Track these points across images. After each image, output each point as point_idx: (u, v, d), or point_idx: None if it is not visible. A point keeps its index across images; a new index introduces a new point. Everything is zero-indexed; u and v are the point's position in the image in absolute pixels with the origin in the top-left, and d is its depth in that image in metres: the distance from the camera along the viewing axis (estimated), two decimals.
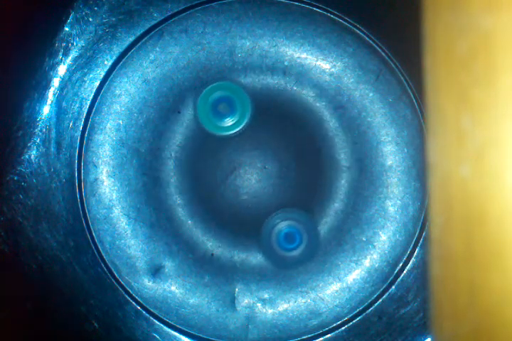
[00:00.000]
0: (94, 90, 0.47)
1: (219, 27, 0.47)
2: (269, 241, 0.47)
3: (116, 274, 0.47)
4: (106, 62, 0.46)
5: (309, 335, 0.47)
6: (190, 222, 0.48)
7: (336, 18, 0.46)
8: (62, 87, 0.46)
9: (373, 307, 0.46)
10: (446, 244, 0.26)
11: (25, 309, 0.45)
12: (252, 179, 0.48)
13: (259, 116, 0.47)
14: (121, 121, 0.47)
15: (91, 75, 0.46)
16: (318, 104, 0.47)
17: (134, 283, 0.47)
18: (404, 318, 0.46)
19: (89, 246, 0.46)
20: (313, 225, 0.47)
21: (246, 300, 0.47)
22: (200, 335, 0.47)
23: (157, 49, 0.47)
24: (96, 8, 0.45)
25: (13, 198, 0.45)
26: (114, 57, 0.46)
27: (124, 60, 0.47)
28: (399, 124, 0.47)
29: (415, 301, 0.46)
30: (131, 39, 0.46)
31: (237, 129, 0.47)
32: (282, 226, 0.47)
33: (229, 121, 0.47)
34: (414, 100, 0.46)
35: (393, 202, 0.47)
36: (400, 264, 0.47)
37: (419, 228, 0.47)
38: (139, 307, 0.46)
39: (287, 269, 0.47)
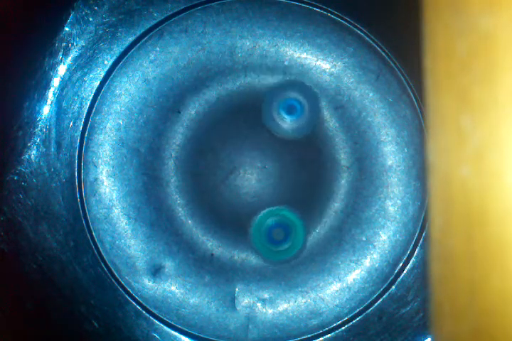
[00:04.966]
0: (94, 90, 0.47)
1: (219, 27, 0.47)
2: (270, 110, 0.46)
3: (116, 274, 0.47)
4: (106, 62, 0.46)
5: (309, 335, 0.47)
6: (190, 221, 0.48)
7: (336, 18, 0.46)
8: (62, 87, 0.46)
9: (373, 307, 0.46)
10: (446, 244, 0.26)
11: (25, 309, 0.45)
12: (252, 179, 0.48)
13: (259, 116, 0.47)
14: (121, 121, 0.47)
15: (91, 75, 0.46)
16: (318, 104, 0.47)
17: (134, 283, 0.47)
18: (404, 318, 0.46)
19: (89, 246, 0.46)
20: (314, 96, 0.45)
21: (246, 300, 0.47)
22: (200, 335, 0.47)
23: (157, 49, 0.47)
24: (96, 8, 0.45)
25: (13, 198, 0.45)
26: (114, 57, 0.46)
27: (124, 59, 0.47)
28: (399, 124, 0.47)
29: (415, 301, 0.46)
30: (131, 39, 0.46)
31: (292, 255, 0.47)
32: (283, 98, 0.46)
33: (283, 247, 0.47)
34: (414, 100, 0.46)
35: (393, 202, 0.47)
36: (400, 264, 0.47)
37: (419, 228, 0.47)
38: (139, 307, 0.46)
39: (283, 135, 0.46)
